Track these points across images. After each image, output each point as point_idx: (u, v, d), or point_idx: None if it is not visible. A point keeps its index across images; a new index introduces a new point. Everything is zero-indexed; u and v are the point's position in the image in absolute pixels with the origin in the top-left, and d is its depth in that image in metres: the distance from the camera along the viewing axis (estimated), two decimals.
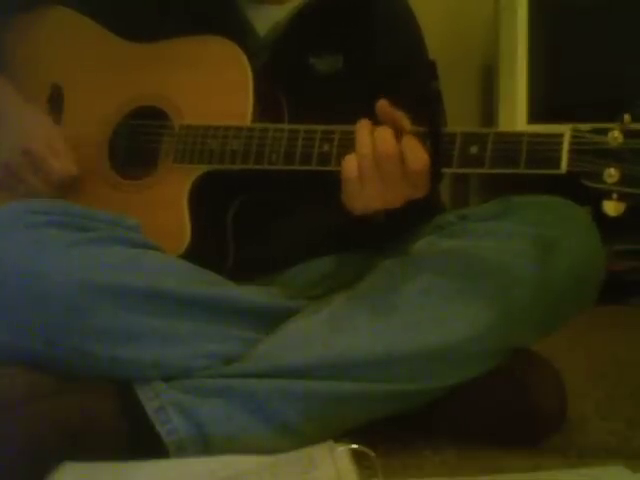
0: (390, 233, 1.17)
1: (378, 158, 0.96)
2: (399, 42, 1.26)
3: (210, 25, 1.20)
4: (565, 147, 0.90)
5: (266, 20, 1.24)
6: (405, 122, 0.98)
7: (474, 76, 2.62)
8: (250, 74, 1.13)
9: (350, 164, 0.98)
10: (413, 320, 1.03)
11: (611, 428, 1.17)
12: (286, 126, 1.08)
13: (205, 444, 0.99)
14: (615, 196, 0.89)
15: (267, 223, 1.19)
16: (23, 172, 1.16)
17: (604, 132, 0.89)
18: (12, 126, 1.19)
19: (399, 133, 0.97)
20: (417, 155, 0.96)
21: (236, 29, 1.21)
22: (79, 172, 1.18)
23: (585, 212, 1.10)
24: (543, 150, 0.92)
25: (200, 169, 1.13)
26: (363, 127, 0.99)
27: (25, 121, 1.21)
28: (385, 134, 0.97)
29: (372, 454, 0.91)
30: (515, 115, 2.23)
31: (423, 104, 1.06)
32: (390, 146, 0.96)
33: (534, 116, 2.22)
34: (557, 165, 0.90)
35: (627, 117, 0.89)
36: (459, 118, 2.30)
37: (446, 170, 0.97)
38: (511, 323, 1.04)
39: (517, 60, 2.23)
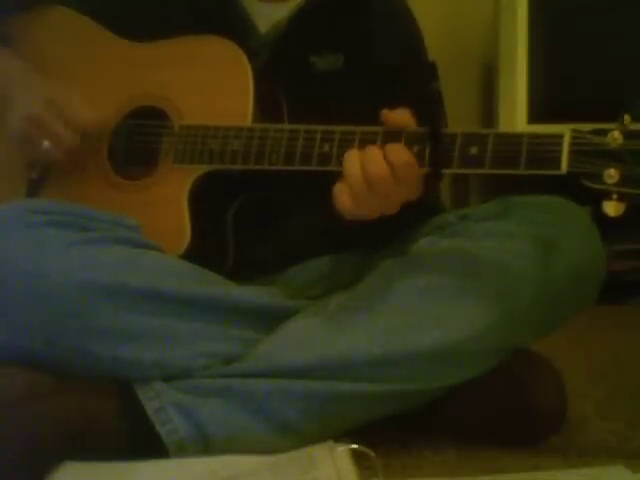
0: (387, 232, 1.17)
1: (369, 181, 0.96)
2: (398, 41, 1.26)
3: (211, 24, 1.20)
4: (565, 148, 0.91)
5: (267, 18, 1.24)
6: (410, 122, 0.98)
7: (474, 76, 2.62)
8: (250, 74, 1.13)
9: (343, 197, 0.98)
10: (413, 320, 1.03)
11: (611, 428, 1.17)
12: (286, 126, 1.08)
13: (205, 444, 0.99)
14: (615, 196, 0.89)
15: (267, 223, 1.19)
16: (47, 120, 1.15)
17: (604, 133, 0.89)
18: (32, 85, 1.19)
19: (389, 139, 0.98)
20: (405, 162, 0.96)
21: (237, 28, 1.21)
22: (99, 124, 1.18)
23: (585, 212, 1.10)
24: (543, 151, 0.92)
25: (200, 169, 1.13)
26: (351, 155, 0.99)
27: (42, 81, 1.20)
28: (374, 156, 0.97)
29: (372, 454, 0.91)
30: (515, 115, 2.23)
31: (423, 104, 1.07)
32: (381, 168, 0.96)
33: (534, 116, 2.22)
34: (557, 166, 0.91)
35: (627, 118, 0.89)
36: (459, 118, 2.29)
37: (446, 171, 0.97)
38: (511, 323, 1.04)
39: (517, 60, 2.23)
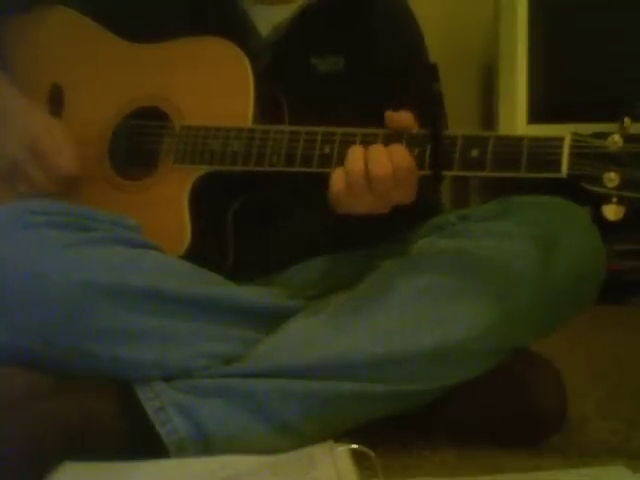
0: (382, 232, 1.17)
1: (370, 179, 0.96)
2: (400, 43, 1.26)
3: (212, 25, 1.19)
4: (566, 151, 0.91)
5: (268, 20, 1.23)
6: (413, 125, 0.98)
7: (474, 76, 2.62)
8: (251, 75, 1.13)
9: (339, 186, 0.98)
10: (413, 320, 1.03)
11: (611, 428, 1.17)
12: (287, 127, 1.08)
13: (205, 444, 0.99)
14: (615, 200, 0.89)
15: (267, 223, 1.19)
16: (28, 167, 1.16)
17: (604, 136, 0.89)
18: (17, 123, 1.19)
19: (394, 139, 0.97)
20: (407, 167, 0.96)
21: (238, 29, 1.21)
22: (80, 171, 1.18)
23: (585, 212, 1.10)
24: (544, 154, 0.92)
25: (201, 170, 1.13)
26: (355, 151, 0.99)
27: (30, 118, 1.20)
28: (379, 155, 0.97)
29: (372, 454, 0.91)
30: (515, 115, 2.23)
31: (424, 106, 1.07)
32: (385, 167, 0.96)
33: (534, 116, 2.22)
34: (558, 169, 0.91)
35: (627, 121, 0.89)
36: (459, 118, 2.30)
37: (447, 173, 0.97)
38: (511, 323, 1.04)
39: (517, 60, 2.23)
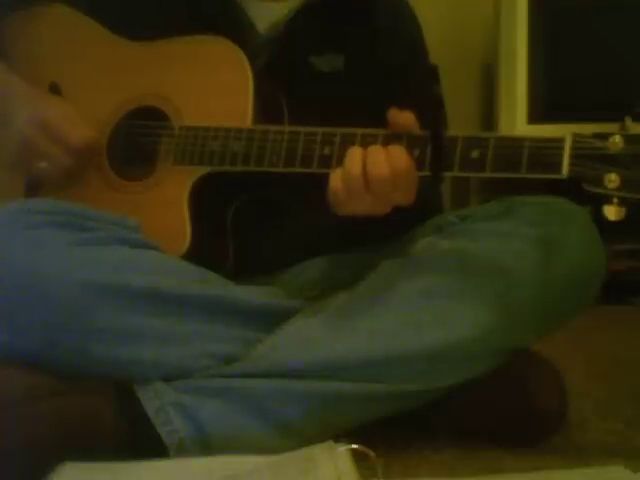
0: (382, 233, 1.17)
1: (369, 181, 0.96)
2: (400, 42, 1.26)
3: (211, 23, 1.19)
4: (566, 152, 0.91)
5: (266, 17, 1.23)
6: (415, 126, 0.98)
7: (474, 76, 2.62)
8: (250, 75, 1.13)
9: (338, 189, 0.98)
10: (413, 320, 1.03)
11: (611, 428, 1.17)
12: (287, 128, 1.08)
13: (205, 444, 0.99)
14: (616, 201, 0.89)
15: (267, 223, 1.19)
16: (42, 144, 1.15)
17: (605, 137, 0.89)
18: (23, 105, 1.19)
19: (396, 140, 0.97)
20: (406, 169, 0.96)
21: (237, 27, 1.21)
22: (99, 140, 1.18)
23: (586, 212, 1.10)
24: (544, 155, 0.92)
25: (200, 170, 1.13)
26: (354, 153, 0.99)
27: (35, 99, 1.20)
28: (377, 157, 0.97)
29: (372, 454, 0.91)
30: (515, 115, 2.23)
31: (424, 106, 1.07)
32: (382, 169, 0.96)
33: (534, 116, 2.22)
34: (558, 170, 0.91)
35: (628, 121, 0.89)
36: (459, 118, 2.30)
37: (447, 174, 0.97)
38: (512, 323, 1.04)
39: (517, 60, 2.23)
